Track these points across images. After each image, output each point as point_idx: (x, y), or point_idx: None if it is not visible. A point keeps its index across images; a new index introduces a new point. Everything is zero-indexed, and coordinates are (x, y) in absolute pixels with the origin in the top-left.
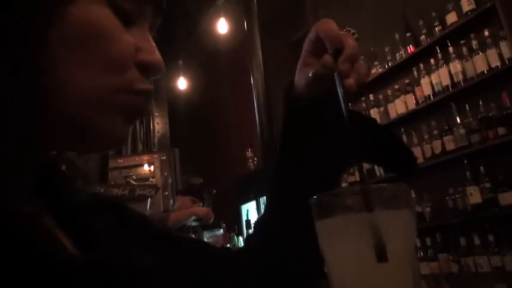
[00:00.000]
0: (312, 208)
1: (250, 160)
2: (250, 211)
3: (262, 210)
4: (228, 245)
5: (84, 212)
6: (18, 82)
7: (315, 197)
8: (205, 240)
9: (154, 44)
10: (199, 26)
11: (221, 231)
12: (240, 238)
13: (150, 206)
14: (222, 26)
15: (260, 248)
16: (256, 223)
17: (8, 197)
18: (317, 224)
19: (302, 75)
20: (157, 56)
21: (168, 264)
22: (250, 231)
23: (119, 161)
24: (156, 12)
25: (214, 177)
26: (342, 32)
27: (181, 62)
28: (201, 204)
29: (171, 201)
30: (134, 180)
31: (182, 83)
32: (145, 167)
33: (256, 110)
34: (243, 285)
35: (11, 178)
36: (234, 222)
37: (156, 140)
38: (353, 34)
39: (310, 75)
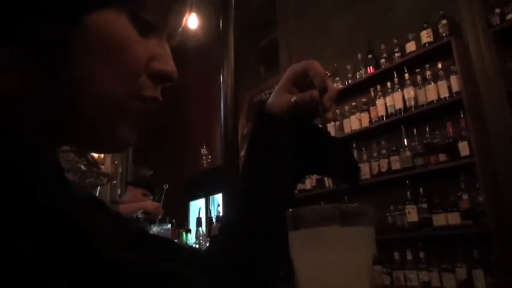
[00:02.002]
0: (288, 220)
1: (204, 158)
2: (203, 209)
3: (212, 207)
4: (176, 240)
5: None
6: (43, 86)
7: (290, 210)
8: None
9: (169, 53)
10: None
11: (169, 226)
12: (189, 235)
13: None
14: (192, 21)
15: (228, 250)
16: (223, 225)
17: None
18: (290, 234)
19: (282, 99)
20: (171, 65)
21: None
22: (201, 229)
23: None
24: (177, 23)
25: (165, 171)
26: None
27: None
28: (152, 198)
29: (119, 191)
30: (84, 165)
31: None
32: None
33: (222, 111)
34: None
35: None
36: (181, 218)
37: None
38: (329, 76)
39: (292, 100)
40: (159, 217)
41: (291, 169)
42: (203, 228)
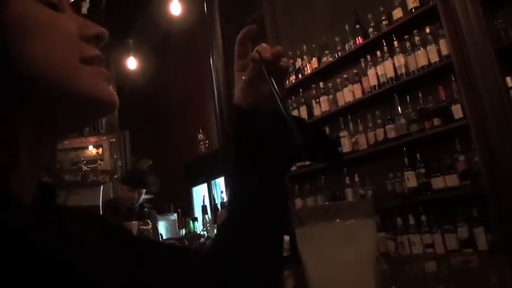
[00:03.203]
0: (292, 219)
1: (201, 143)
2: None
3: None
4: (184, 230)
5: (75, 226)
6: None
7: (297, 208)
8: (159, 225)
9: (89, 21)
10: (151, 5)
11: (175, 215)
12: (196, 223)
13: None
14: (175, 7)
15: (223, 253)
16: (219, 228)
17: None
18: (296, 232)
19: (242, 92)
20: (97, 27)
21: (150, 274)
22: (207, 216)
23: (65, 142)
24: None
25: (165, 160)
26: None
27: (131, 41)
28: (144, 191)
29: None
30: (84, 164)
31: (132, 63)
32: (92, 149)
33: (215, 93)
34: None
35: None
36: (185, 205)
37: (103, 122)
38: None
39: (244, 79)
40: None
41: (278, 161)
42: (209, 215)
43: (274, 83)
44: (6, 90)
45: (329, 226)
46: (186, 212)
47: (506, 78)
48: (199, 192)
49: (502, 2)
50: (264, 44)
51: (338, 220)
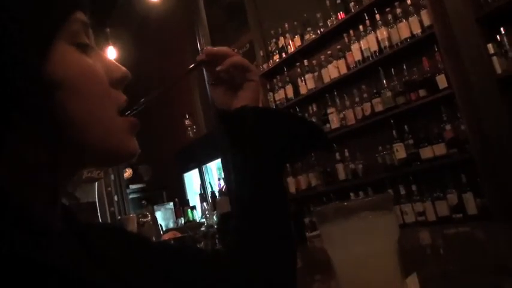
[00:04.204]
0: (315, 217)
1: (189, 129)
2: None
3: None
4: (183, 219)
5: (100, 245)
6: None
7: (318, 208)
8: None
9: (111, 59)
10: None
11: (171, 204)
12: (194, 212)
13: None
14: None
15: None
16: (231, 231)
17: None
18: (320, 229)
19: (218, 95)
20: (122, 69)
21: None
22: (205, 204)
23: None
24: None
25: (154, 148)
26: None
27: (108, 30)
28: None
29: (112, 177)
30: None
31: (111, 53)
32: None
33: (205, 74)
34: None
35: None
36: (177, 192)
37: None
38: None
39: (208, 83)
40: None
41: (272, 158)
42: (207, 203)
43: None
44: (48, 145)
45: (352, 222)
46: (180, 199)
47: (488, 45)
48: (191, 178)
49: None
50: (207, 48)
51: (361, 216)
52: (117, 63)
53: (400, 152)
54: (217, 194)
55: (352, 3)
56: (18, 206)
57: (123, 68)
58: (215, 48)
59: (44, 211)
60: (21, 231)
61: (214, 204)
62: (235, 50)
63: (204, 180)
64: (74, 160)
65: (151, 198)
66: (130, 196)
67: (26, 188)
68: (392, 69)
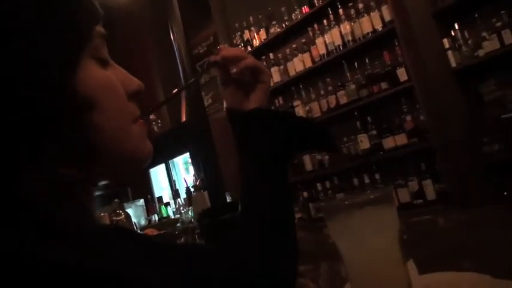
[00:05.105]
0: (323, 211)
1: (153, 123)
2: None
3: (174, 173)
4: (156, 216)
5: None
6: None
7: (324, 204)
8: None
9: (126, 72)
10: None
11: (141, 201)
12: (168, 208)
13: None
14: None
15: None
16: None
17: None
18: (327, 223)
19: (230, 97)
20: (136, 81)
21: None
22: (179, 200)
23: None
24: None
25: None
26: None
27: None
28: None
29: None
30: None
31: None
32: None
33: (179, 66)
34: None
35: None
36: (141, 187)
37: None
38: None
39: (221, 85)
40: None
41: (280, 153)
42: (181, 200)
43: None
44: (79, 160)
45: (359, 216)
46: (146, 196)
47: (444, 39)
48: (157, 174)
49: None
50: (223, 49)
51: (365, 209)
52: (130, 76)
53: (364, 142)
54: (192, 190)
55: None
56: (59, 220)
57: (137, 80)
58: (230, 51)
59: (78, 221)
60: (71, 245)
61: (190, 199)
62: (247, 51)
63: (172, 176)
64: (97, 172)
65: (116, 195)
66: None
67: (63, 202)
68: (356, 63)
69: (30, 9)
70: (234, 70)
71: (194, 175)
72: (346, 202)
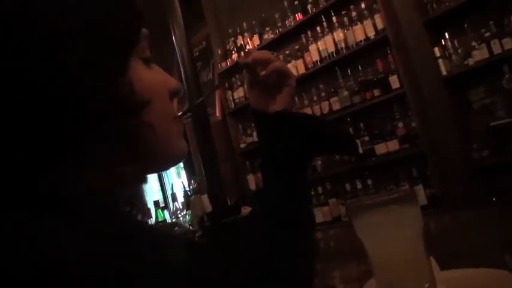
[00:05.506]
0: (348, 210)
1: None
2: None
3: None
4: (153, 220)
5: None
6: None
7: (349, 201)
8: None
9: (165, 72)
10: None
11: None
12: (165, 212)
13: None
14: None
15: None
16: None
17: None
18: (353, 221)
19: (255, 98)
20: (175, 81)
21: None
22: (176, 204)
23: None
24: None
25: None
26: None
27: None
28: None
29: None
30: None
31: None
32: None
33: (181, 67)
34: None
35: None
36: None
37: None
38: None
39: (245, 86)
40: None
41: (303, 153)
42: (178, 204)
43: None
44: (132, 158)
45: (383, 213)
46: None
47: (434, 48)
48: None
49: None
50: (253, 52)
51: (390, 207)
52: (170, 76)
53: None
54: (190, 193)
55: (310, 5)
56: (120, 215)
57: (176, 80)
58: (260, 53)
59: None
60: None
61: (188, 203)
62: (275, 54)
63: (163, 180)
64: (142, 169)
65: None
66: None
67: (120, 198)
68: (349, 70)
69: (89, 13)
70: (263, 72)
71: (190, 179)
72: (370, 202)
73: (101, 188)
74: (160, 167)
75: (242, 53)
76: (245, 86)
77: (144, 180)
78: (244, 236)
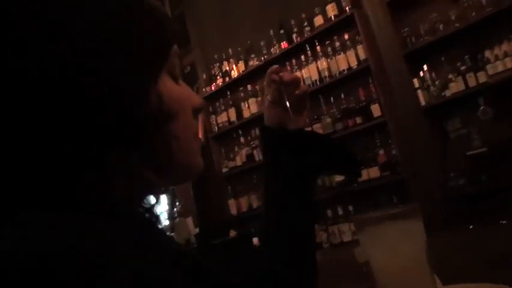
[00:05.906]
0: (355, 224)
1: None
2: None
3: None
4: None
5: None
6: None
7: (356, 216)
8: None
9: (191, 89)
10: None
11: None
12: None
13: None
14: None
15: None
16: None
17: None
18: (358, 234)
19: (269, 113)
20: (199, 98)
21: None
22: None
23: None
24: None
25: None
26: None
27: None
28: None
29: None
30: None
31: None
32: None
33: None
34: None
35: None
36: None
37: None
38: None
39: (269, 99)
40: None
41: (307, 171)
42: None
43: (287, 101)
44: (158, 169)
45: (389, 227)
46: None
47: (413, 79)
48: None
49: (406, 11)
50: (283, 69)
51: (395, 222)
52: (194, 92)
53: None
54: (175, 215)
55: (295, 34)
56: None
57: (200, 97)
58: (291, 75)
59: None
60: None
61: (173, 226)
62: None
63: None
64: (162, 179)
65: None
66: None
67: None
68: (332, 97)
69: (132, 30)
70: (297, 92)
71: (173, 201)
72: (378, 215)
73: (128, 194)
74: (177, 180)
75: (227, 78)
76: (265, 103)
77: (164, 191)
78: (250, 248)
